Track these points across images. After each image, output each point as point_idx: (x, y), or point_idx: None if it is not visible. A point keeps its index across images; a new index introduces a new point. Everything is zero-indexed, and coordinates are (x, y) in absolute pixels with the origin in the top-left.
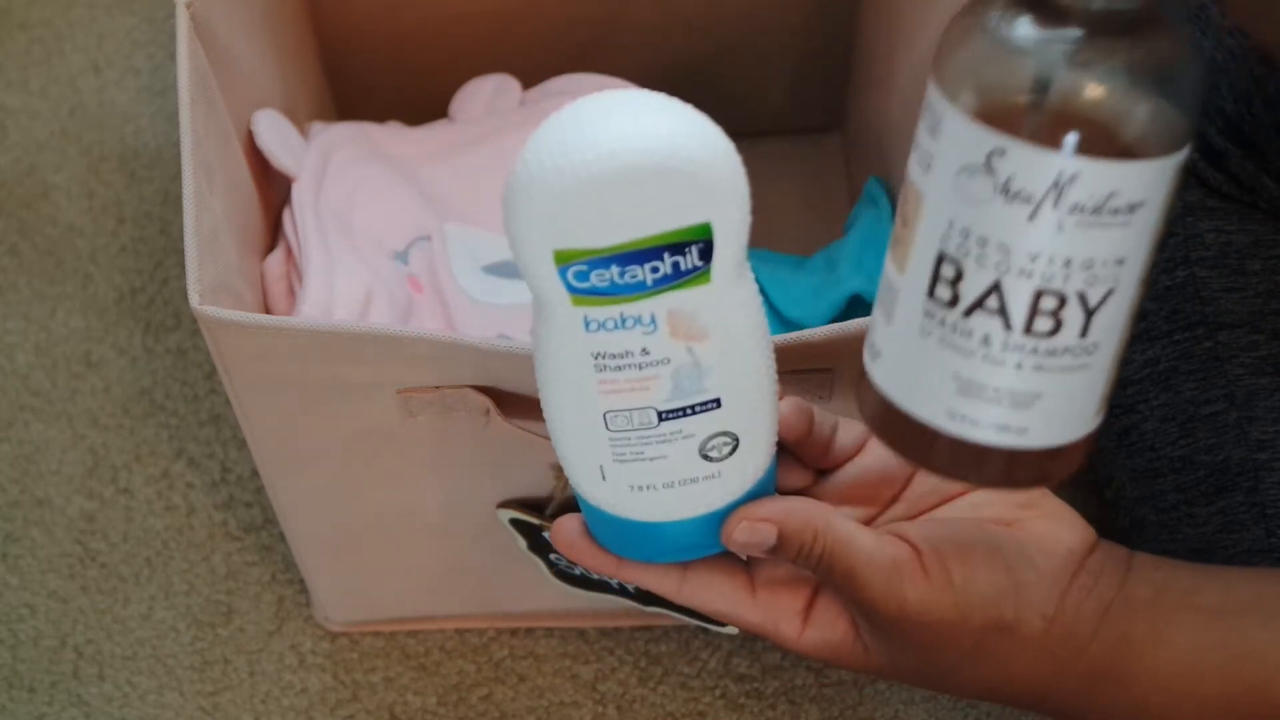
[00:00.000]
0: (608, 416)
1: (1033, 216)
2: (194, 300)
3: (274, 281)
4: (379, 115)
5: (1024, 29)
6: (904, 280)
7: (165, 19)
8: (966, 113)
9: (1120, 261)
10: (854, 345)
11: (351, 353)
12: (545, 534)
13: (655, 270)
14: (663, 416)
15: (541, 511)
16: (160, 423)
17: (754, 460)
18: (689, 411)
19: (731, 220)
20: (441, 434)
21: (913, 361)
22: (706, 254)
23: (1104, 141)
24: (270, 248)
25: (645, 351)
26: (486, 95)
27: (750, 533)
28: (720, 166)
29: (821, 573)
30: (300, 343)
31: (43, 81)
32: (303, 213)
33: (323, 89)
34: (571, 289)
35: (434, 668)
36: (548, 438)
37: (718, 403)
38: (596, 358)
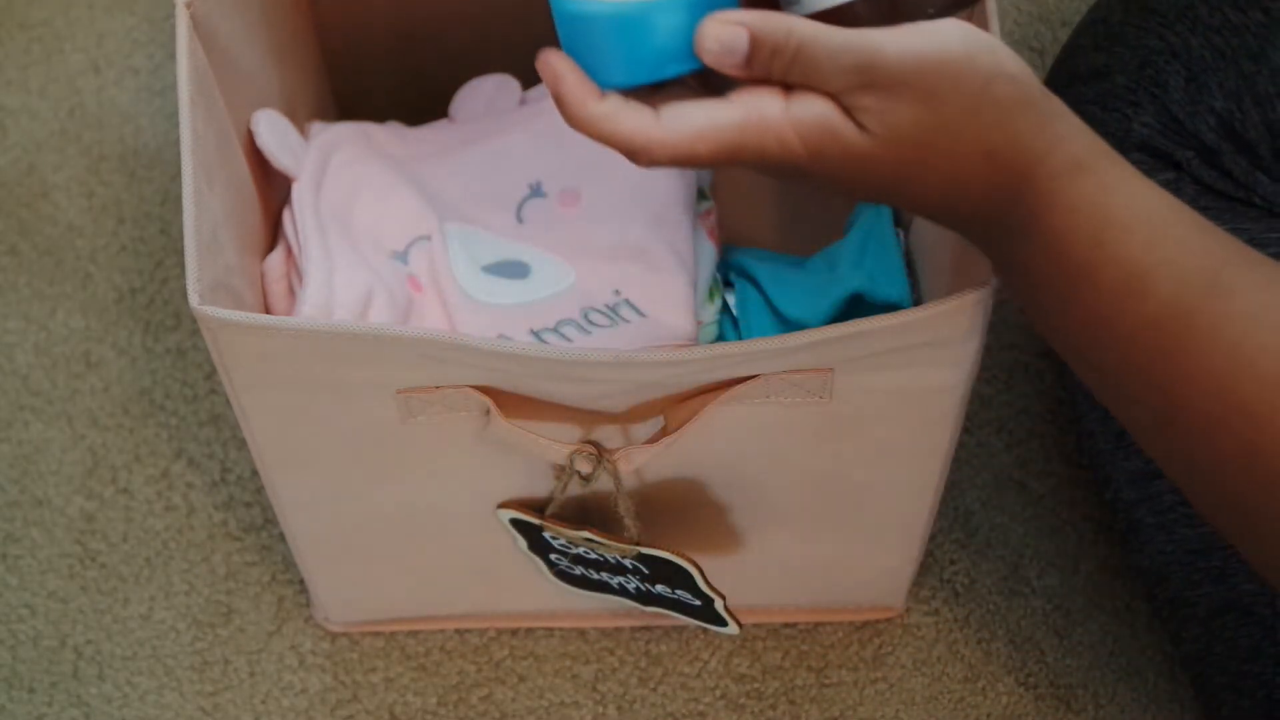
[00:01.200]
0: None
1: None
2: (194, 300)
3: (274, 281)
4: (379, 115)
5: None
6: None
7: (165, 19)
8: None
9: None
10: (854, 345)
11: (351, 353)
12: (545, 534)
13: None
14: None
15: (541, 511)
16: (160, 423)
17: None
18: None
19: None
20: (441, 434)
21: None
22: None
23: None
24: (270, 248)
25: None
26: (486, 95)
27: (720, 35)
28: None
29: (801, 70)
30: (300, 343)
31: (43, 81)
32: (302, 213)
33: (323, 89)
34: None
35: (434, 668)
36: (547, 438)
37: None
38: None
